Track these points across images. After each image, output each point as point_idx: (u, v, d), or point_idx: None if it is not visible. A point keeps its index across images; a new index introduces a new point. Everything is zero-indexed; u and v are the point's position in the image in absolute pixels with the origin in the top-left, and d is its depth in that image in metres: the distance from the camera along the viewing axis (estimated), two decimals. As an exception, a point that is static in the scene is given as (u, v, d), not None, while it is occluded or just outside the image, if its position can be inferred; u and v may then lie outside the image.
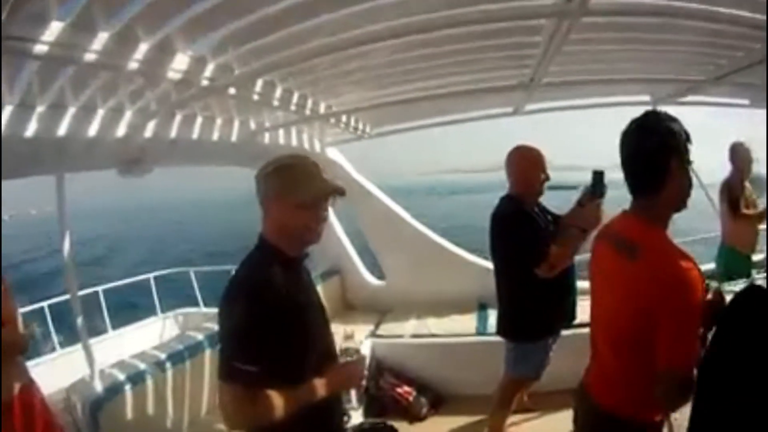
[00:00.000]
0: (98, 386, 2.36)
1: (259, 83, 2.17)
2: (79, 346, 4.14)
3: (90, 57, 1.49)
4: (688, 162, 1.23)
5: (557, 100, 3.60)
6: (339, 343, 1.56)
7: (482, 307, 3.87)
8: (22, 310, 4.22)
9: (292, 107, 2.50)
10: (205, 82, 1.82)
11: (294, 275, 1.31)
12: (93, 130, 2.17)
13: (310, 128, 3.74)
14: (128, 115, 2.30)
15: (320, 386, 1.26)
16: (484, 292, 3.76)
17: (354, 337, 3.18)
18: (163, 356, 2.64)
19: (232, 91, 1.99)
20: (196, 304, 5.36)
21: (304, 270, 1.42)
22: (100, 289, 4.95)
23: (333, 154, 4.19)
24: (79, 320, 2.70)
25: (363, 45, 1.89)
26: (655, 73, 2.90)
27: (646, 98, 3.48)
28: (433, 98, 2.87)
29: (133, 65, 1.60)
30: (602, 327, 1.43)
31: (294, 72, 2.25)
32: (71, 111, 2.11)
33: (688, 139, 1.23)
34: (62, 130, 2.05)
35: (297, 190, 1.24)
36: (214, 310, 4.99)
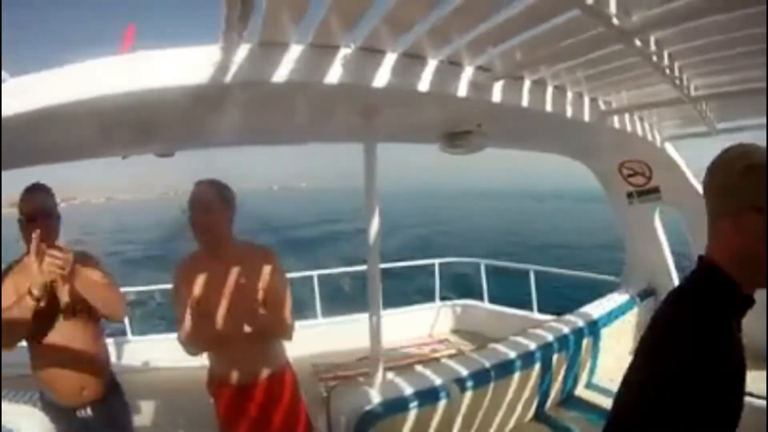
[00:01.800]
0: (376, 396, 1.86)
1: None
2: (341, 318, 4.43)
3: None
4: None
5: None
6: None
7: None
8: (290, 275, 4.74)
9: (676, 81, 1.76)
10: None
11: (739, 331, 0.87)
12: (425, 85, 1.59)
13: (649, 115, 2.89)
14: (469, 71, 1.69)
15: None
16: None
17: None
18: (464, 372, 2.08)
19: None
20: (481, 298, 4.98)
21: None
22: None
23: (670, 151, 3.15)
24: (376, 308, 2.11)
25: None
26: None
27: None
28: None
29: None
30: None
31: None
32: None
33: None
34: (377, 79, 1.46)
35: None
36: (498, 308, 4.70)
